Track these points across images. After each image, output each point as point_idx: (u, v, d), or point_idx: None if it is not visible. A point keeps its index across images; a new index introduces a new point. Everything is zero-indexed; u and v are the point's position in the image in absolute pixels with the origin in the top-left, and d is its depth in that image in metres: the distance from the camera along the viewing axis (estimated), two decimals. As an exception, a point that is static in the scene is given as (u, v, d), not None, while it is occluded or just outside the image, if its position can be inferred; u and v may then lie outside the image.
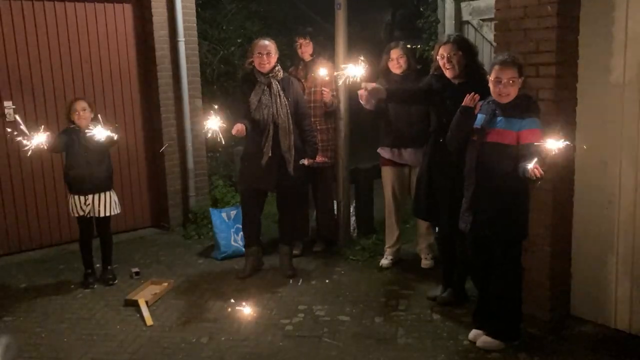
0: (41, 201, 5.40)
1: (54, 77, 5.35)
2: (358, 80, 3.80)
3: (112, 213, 4.50)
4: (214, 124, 4.06)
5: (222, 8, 7.71)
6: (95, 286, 4.48)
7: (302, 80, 4.85)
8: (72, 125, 4.34)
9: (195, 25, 5.99)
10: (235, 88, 4.44)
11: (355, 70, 3.77)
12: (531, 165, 2.89)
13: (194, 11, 5.97)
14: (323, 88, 4.79)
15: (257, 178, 4.44)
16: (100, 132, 4.05)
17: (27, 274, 4.82)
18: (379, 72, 4.56)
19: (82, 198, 4.36)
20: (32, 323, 3.94)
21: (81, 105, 4.34)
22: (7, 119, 5.12)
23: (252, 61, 4.39)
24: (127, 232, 5.85)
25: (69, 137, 4.30)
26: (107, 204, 4.44)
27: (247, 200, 4.67)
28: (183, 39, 5.78)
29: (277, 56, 4.43)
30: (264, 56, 4.33)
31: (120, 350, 3.55)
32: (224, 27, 7.58)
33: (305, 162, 4.50)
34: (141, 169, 5.98)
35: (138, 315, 3.99)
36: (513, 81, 3.14)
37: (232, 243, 5.10)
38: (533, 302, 3.56)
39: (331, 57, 4.94)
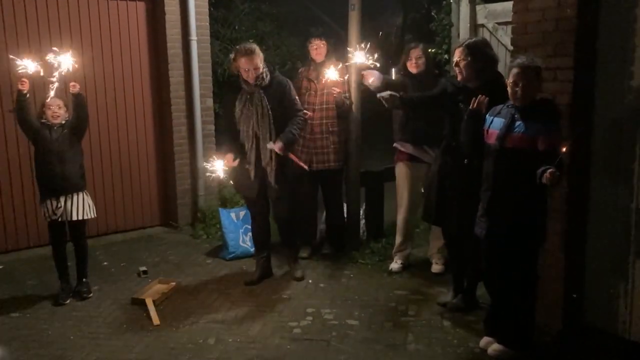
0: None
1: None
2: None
3: (87, 217, 4.19)
4: (219, 167, 4.25)
5: (234, 8, 7.71)
6: (67, 302, 4.18)
7: (314, 82, 4.82)
8: (44, 121, 4.08)
9: (207, 24, 6.00)
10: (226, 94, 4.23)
11: (361, 58, 4.27)
12: (547, 171, 2.85)
13: (207, 10, 5.97)
14: (333, 88, 4.75)
15: (245, 187, 4.42)
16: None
17: (34, 271, 4.81)
18: (397, 71, 4.57)
19: (53, 202, 4.09)
20: (38, 320, 3.93)
21: (57, 102, 4.10)
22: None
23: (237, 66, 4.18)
24: (136, 230, 5.86)
25: (41, 129, 4.05)
26: (81, 206, 4.15)
27: (249, 206, 4.65)
28: (195, 38, 5.78)
29: (262, 61, 4.18)
30: (251, 72, 4.12)
31: (126, 349, 3.53)
32: (236, 27, 7.58)
33: (273, 145, 4.13)
34: (151, 168, 5.97)
35: (145, 314, 3.97)
36: (528, 83, 3.08)
37: (241, 243, 5.07)
38: (546, 310, 3.51)
39: (342, 58, 4.91)
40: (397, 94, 3.84)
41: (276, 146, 4.13)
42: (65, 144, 4.09)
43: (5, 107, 5.10)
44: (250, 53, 4.11)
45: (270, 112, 4.17)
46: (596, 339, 3.49)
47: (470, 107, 3.30)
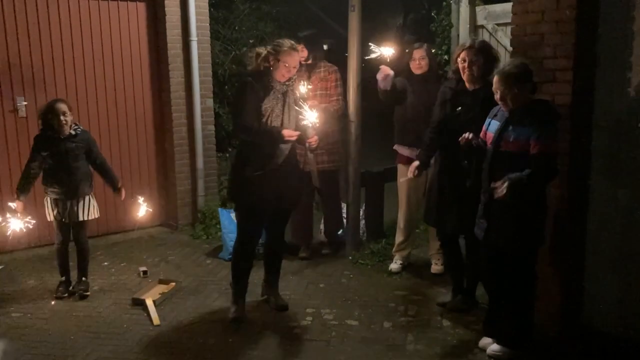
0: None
1: (66, 74, 5.37)
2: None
3: (91, 217, 4.25)
4: None
5: (234, 8, 7.71)
6: (66, 295, 4.24)
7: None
8: (49, 132, 4.04)
9: (208, 25, 6.00)
10: (244, 86, 3.66)
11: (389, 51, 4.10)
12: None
13: (207, 11, 5.98)
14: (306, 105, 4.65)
15: (266, 198, 3.75)
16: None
17: (35, 271, 4.82)
18: (400, 71, 4.55)
19: (59, 203, 4.13)
20: (39, 320, 3.93)
21: (64, 108, 4.03)
22: (19, 115, 5.14)
23: (269, 61, 3.73)
24: (136, 231, 5.85)
25: (46, 147, 4.03)
26: (86, 208, 4.20)
27: (258, 220, 3.89)
28: (196, 39, 5.78)
29: None
30: (292, 70, 3.76)
31: (127, 349, 3.53)
32: (236, 28, 7.58)
33: (312, 138, 3.77)
34: (151, 168, 5.98)
35: (145, 314, 3.98)
36: (507, 91, 3.07)
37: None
38: (545, 310, 3.51)
39: (335, 59, 4.89)
40: (419, 164, 3.92)
41: (313, 139, 3.77)
42: (74, 156, 4.12)
43: (6, 107, 5.12)
44: (297, 49, 3.83)
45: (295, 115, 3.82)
46: (595, 339, 3.49)
47: (461, 142, 3.30)
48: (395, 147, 4.68)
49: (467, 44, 3.67)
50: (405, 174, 4.60)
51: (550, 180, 3.13)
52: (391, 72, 4.36)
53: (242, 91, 3.71)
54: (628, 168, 3.34)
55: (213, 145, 6.15)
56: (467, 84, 3.65)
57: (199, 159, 5.97)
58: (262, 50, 3.79)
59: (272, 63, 3.72)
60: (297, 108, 3.78)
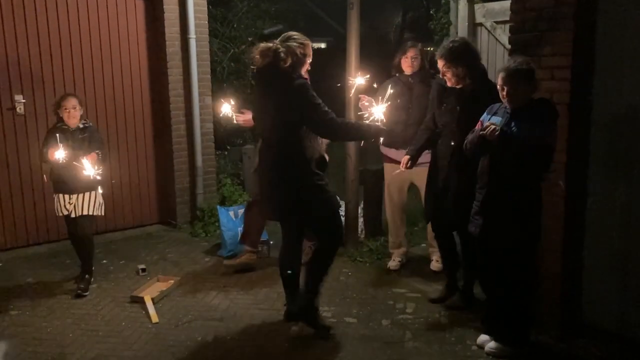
0: (49, 195, 5.36)
1: (64, 71, 5.36)
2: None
3: (94, 213, 4.30)
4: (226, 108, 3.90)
5: (233, 6, 7.72)
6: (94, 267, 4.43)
7: None
8: (59, 124, 4.19)
9: (206, 22, 6.00)
10: (307, 86, 3.36)
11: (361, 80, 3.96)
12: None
13: (206, 9, 5.98)
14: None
15: None
16: (88, 169, 4.01)
17: (34, 268, 4.82)
18: (392, 68, 4.54)
19: (66, 197, 4.22)
20: (37, 318, 3.93)
21: (72, 102, 4.17)
22: (17, 112, 5.13)
23: (296, 56, 3.40)
24: (135, 229, 5.87)
25: (56, 137, 4.10)
26: (91, 203, 4.26)
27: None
28: (194, 36, 5.78)
29: None
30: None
31: (125, 347, 3.54)
32: (234, 25, 7.60)
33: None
34: (149, 166, 5.98)
35: (144, 312, 3.98)
36: (514, 88, 3.08)
37: (239, 242, 5.06)
38: (545, 309, 3.52)
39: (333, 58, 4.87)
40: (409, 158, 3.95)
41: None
42: (81, 149, 4.15)
43: (4, 105, 5.11)
44: None
45: None
46: (595, 338, 3.49)
47: (485, 136, 3.15)
48: (381, 149, 4.67)
49: (437, 55, 3.65)
50: (390, 173, 4.62)
51: (542, 173, 3.13)
52: (371, 99, 4.26)
53: (310, 89, 3.37)
54: (626, 165, 3.34)
55: (212, 143, 6.16)
56: (456, 86, 3.67)
57: (197, 156, 5.98)
58: (278, 46, 3.37)
59: (300, 58, 3.40)
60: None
